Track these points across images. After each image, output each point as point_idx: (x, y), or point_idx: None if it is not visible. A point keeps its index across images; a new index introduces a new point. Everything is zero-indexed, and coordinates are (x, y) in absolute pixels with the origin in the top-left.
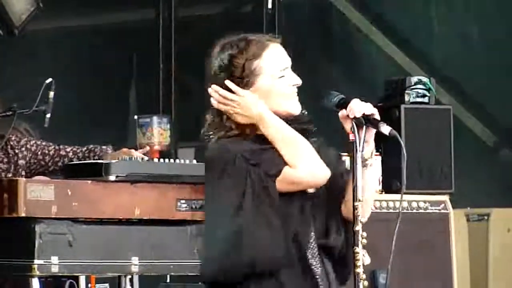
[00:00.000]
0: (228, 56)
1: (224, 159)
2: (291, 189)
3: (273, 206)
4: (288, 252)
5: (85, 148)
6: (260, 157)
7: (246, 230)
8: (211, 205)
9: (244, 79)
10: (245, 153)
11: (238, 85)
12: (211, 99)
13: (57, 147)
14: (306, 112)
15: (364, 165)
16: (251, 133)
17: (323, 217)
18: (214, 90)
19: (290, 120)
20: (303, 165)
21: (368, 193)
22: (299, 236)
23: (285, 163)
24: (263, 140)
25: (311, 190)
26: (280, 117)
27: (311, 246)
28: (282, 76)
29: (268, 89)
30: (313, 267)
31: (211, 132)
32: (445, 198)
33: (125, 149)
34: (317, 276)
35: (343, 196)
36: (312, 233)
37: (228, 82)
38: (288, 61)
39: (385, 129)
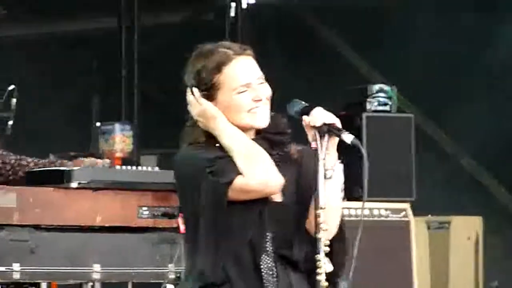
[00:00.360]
0: (194, 66)
1: (189, 167)
2: (242, 197)
3: (223, 216)
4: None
5: (46, 160)
6: (216, 165)
7: (201, 243)
8: (183, 212)
9: (207, 92)
10: (204, 161)
11: (204, 96)
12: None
13: (18, 157)
14: (285, 120)
15: (324, 175)
16: (216, 142)
17: (289, 228)
18: (189, 94)
19: (262, 131)
20: (255, 175)
21: (332, 205)
22: (253, 240)
23: (238, 172)
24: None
25: (278, 199)
26: (246, 130)
27: (268, 251)
28: (244, 91)
29: (228, 104)
30: (263, 273)
31: (185, 138)
32: (406, 206)
33: (87, 159)
34: (265, 282)
35: (305, 208)
36: (268, 239)
37: (194, 90)
38: (252, 76)
39: (347, 137)
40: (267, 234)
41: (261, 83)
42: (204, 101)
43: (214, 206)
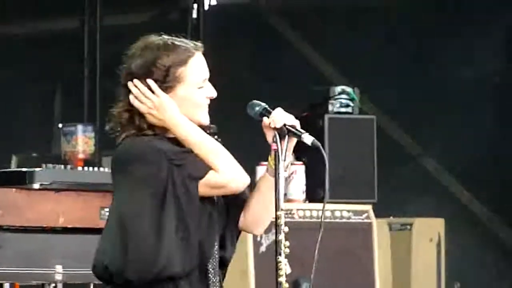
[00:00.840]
0: (152, 56)
1: (148, 157)
2: (213, 193)
3: (193, 211)
4: (190, 262)
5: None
6: (184, 159)
7: (165, 238)
8: (128, 203)
9: (165, 83)
10: (168, 152)
11: (161, 88)
12: (130, 95)
13: None
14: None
15: (273, 175)
16: (162, 135)
17: (222, 228)
18: (134, 85)
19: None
20: (227, 170)
21: (269, 203)
22: (204, 244)
23: (209, 167)
24: (178, 143)
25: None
26: None
27: (214, 256)
28: (202, 87)
29: (186, 98)
30: (210, 280)
31: (119, 128)
32: (368, 207)
33: None
34: (211, 285)
35: (242, 209)
36: (216, 244)
37: (150, 81)
38: (207, 72)
39: (308, 139)
40: (215, 239)
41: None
42: (161, 92)
43: (184, 200)
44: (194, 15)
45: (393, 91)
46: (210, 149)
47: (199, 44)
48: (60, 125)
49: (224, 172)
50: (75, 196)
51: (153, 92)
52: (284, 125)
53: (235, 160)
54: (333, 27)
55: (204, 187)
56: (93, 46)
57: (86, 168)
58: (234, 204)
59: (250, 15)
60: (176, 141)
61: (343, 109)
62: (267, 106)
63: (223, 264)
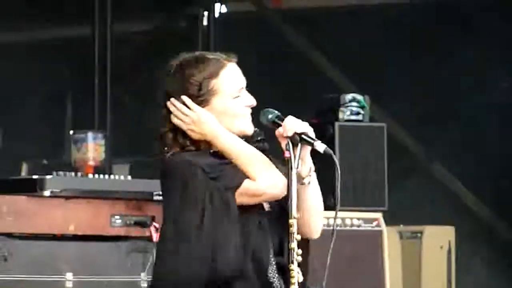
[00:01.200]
0: (185, 73)
1: (185, 172)
2: (252, 201)
3: (232, 221)
4: (244, 269)
5: None
6: (220, 171)
7: (205, 247)
8: (172, 220)
9: (200, 97)
10: (204, 166)
11: (196, 103)
12: (171, 115)
13: None
14: (258, 130)
15: (302, 183)
16: (206, 149)
17: (279, 234)
18: (172, 104)
19: (243, 139)
20: (264, 177)
21: (314, 210)
22: (258, 253)
23: (245, 176)
24: (220, 156)
25: (266, 207)
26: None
27: (272, 263)
28: (238, 97)
29: (223, 109)
30: (274, 285)
31: (166, 148)
32: (379, 215)
33: None
34: None
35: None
36: (271, 250)
37: (184, 98)
38: (243, 81)
39: (320, 147)
40: (270, 246)
41: (247, 90)
42: (197, 107)
43: (222, 212)
44: (205, 22)
45: (404, 98)
46: (247, 157)
47: (232, 55)
48: (70, 132)
49: (261, 180)
50: (86, 204)
51: (189, 108)
52: (296, 133)
53: (273, 167)
54: (343, 33)
55: (243, 196)
56: (103, 53)
57: (96, 175)
58: (282, 209)
59: (259, 22)
60: (220, 155)
61: (353, 117)
62: (279, 114)
63: (284, 271)
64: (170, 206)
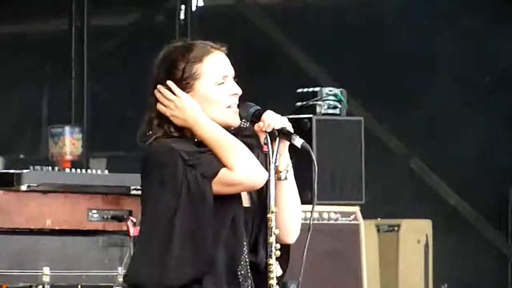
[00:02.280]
0: (171, 59)
1: (163, 158)
2: (228, 191)
3: (207, 210)
4: (214, 262)
5: None
6: (198, 159)
7: (177, 238)
8: (150, 208)
9: (184, 82)
10: (183, 153)
11: (180, 87)
12: (158, 103)
13: None
14: (247, 124)
15: (278, 177)
16: (191, 137)
17: (255, 232)
18: (157, 90)
19: (232, 133)
20: (241, 167)
21: (292, 207)
22: (230, 247)
23: (223, 165)
24: (203, 144)
25: (246, 204)
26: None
27: (244, 259)
28: (222, 83)
29: (206, 94)
30: (241, 281)
31: (149, 133)
32: (356, 209)
33: None
34: None
35: None
36: (245, 248)
37: (169, 82)
38: (230, 70)
39: (298, 141)
40: (243, 244)
41: (235, 81)
42: (181, 92)
43: (197, 200)
44: (182, 16)
45: (380, 92)
46: (226, 146)
47: (221, 44)
48: (48, 127)
49: (238, 170)
50: (63, 198)
51: (174, 93)
52: (274, 128)
53: (252, 157)
54: (321, 27)
55: (219, 185)
56: (80, 47)
57: (73, 170)
58: (265, 210)
59: (236, 15)
60: (201, 143)
61: (331, 111)
62: (259, 108)
63: (256, 269)
64: (146, 191)
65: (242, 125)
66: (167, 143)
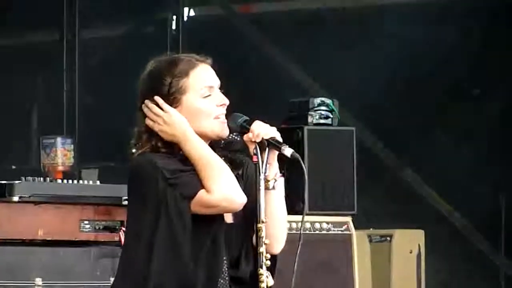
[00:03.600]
0: (157, 74)
1: (145, 175)
2: (206, 212)
3: (185, 231)
4: (194, 282)
5: None
6: (179, 178)
7: (155, 257)
8: (131, 223)
9: (171, 97)
10: (165, 171)
11: (167, 103)
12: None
13: None
14: (238, 138)
15: (266, 187)
16: (179, 152)
17: (238, 247)
18: (145, 105)
19: (221, 147)
20: (218, 189)
21: (278, 218)
22: (209, 267)
23: (202, 186)
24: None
25: (229, 220)
26: (209, 140)
27: (223, 276)
28: (208, 96)
29: (194, 107)
30: None
31: (137, 146)
32: (348, 219)
33: None
34: None
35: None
36: (225, 263)
37: (157, 98)
38: (215, 81)
39: (287, 151)
40: (224, 258)
41: (222, 91)
42: (169, 107)
43: (175, 219)
44: (173, 26)
45: (372, 102)
46: (208, 167)
47: (206, 57)
48: (39, 138)
49: (215, 192)
50: (54, 209)
51: (161, 108)
52: (263, 138)
53: (231, 179)
54: (311, 38)
55: (197, 206)
56: (72, 59)
57: (65, 180)
58: (248, 221)
59: (227, 26)
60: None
61: (322, 121)
62: (248, 118)
63: (240, 282)
64: (129, 206)
65: (232, 138)
66: (152, 159)
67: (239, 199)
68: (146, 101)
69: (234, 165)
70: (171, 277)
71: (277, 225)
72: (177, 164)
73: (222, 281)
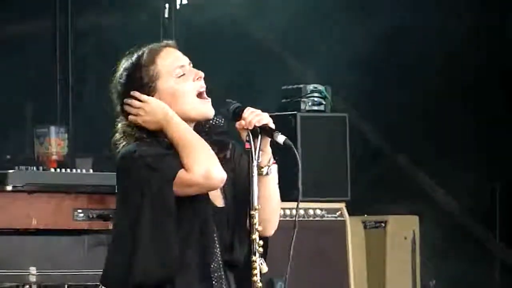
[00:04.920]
0: (126, 71)
1: (129, 164)
2: (189, 192)
3: (169, 215)
4: (183, 264)
5: None
6: (160, 162)
7: (141, 242)
8: (118, 213)
9: (146, 87)
10: (147, 157)
11: (143, 93)
12: (130, 115)
13: None
14: (222, 121)
15: (260, 173)
16: (164, 139)
17: (231, 232)
18: (125, 103)
19: (206, 130)
20: (197, 167)
21: (272, 202)
22: (201, 251)
23: (182, 166)
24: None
25: (220, 204)
26: (194, 122)
27: (216, 260)
28: (183, 75)
29: (171, 89)
30: (215, 283)
31: (121, 140)
32: (342, 205)
33: None
34: None
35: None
36: (217, 247)
37: (133, 92)
38: (184, 60)
39: (280, 138)
40: (216, 241)
41: (193, 67)
42: (147, 97)
43: (159, 202)
44: (166, 14)
45: (364, 88)
46: (188, 147)
47: (166, 42)
48: (33, 127)
49: (194, 170)
50: (48, 198)
51: (140, 100)
52: (255, 125)
53: (210, 156)
54: (304, 24)
55: (179, 186)
56: (65, 47)
57: (58, 169)
58: (240, 205)
59: (220, 14)
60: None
61: (315, 107)
62: (240, 105)
63: (234, 266)
64: (116, 196)
65: (216, 122)
66: (133, 148)
67: (218, 175)
68: (125, 100)
69: (219, 147)
70: (157, 260)
71: (271, 210)
72: (157, 149)
73: (215, 265)
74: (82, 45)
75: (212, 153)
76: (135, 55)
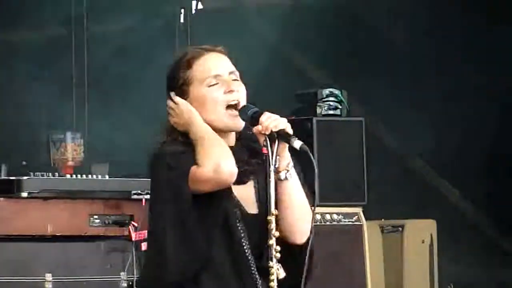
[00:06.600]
0: (170, 70)
1: (155, 163)
2: (202, 188)
3: (187, 208)
4: (209, 259)
5: None
6: (178, 160)
7: (166, 241)
8: (149, 213)
9: (180, 89)
10: (168, 156)
11: (177, 94)
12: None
13: None
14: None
15: (278, 178)
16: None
17: (263, 238)
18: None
19: (246, 137)
20: (207, 161)
21: (296, 209)
22: (232, 253)
23: (194, 164)
24: None
25: (253, 211)
26: (224, 132)
27: (249, 265)
28: (215, 84)
29: (200, 97)
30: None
31: (162, 141)
32: (358, 210)
33: None
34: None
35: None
36: (248, 253)
37: (171, 93)
38: (222, 69)
39: (297, 143)
40: (245, 247)
41: (235, 79)
42: (179, 99)
43: (177, 199)
44: (181, 20)
45: (381, 92)
46: (203, 144)
47: (212, 46)
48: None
49: (204, 164)
50: (64, 204)
51: (174, 102)
52: (272, 130)
53: (222, 151)
54: (319, 28)
55: (193, 183)
56: (80, 53)
57: (74, 175)
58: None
59: (235, 18)
60: None
61: (331, 112)
62: (258, 109)
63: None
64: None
65: (249, 133)
66: (163, 148)
67: (227, 168)
68: (167, 98)
69: (252, 153)
70: (185, 257)
71: (297, 215)
72: (177, 148)
73: (247, 268)
74: (98, 51)
75: (226, 149)
76: (180, 54)
